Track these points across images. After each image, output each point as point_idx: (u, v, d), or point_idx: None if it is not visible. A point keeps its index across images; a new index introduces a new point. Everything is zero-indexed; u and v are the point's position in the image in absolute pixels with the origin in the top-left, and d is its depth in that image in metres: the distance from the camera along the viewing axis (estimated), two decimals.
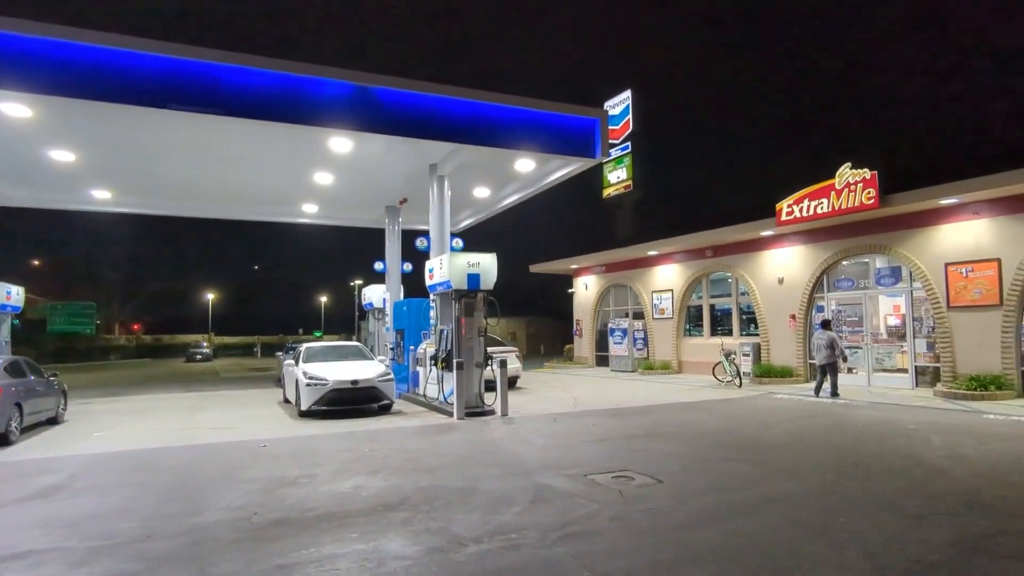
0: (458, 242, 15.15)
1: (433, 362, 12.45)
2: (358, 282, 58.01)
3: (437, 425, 10.32)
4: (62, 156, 12.83)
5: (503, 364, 11.58)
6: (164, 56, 9.68)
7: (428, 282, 12.86)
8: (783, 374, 15.27)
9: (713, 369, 15.91)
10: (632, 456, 7.42)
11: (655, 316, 20.24)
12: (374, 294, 18.47)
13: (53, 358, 43.16)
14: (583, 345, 23.97)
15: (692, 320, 19.46)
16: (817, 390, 12.60)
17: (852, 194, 12.98)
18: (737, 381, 14.84)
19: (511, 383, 16.25)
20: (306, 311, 65.16)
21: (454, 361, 11.29)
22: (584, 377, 19.19)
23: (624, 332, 20.49)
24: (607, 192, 26.53)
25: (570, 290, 25.04)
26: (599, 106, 13.59)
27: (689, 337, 19.29)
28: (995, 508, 5.10)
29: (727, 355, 15.22)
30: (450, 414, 11.08)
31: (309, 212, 18.69)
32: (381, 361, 13.67)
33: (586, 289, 23.92)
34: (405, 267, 18.13)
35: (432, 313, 13.20)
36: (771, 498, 5.52)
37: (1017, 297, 11.46)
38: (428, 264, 12.98)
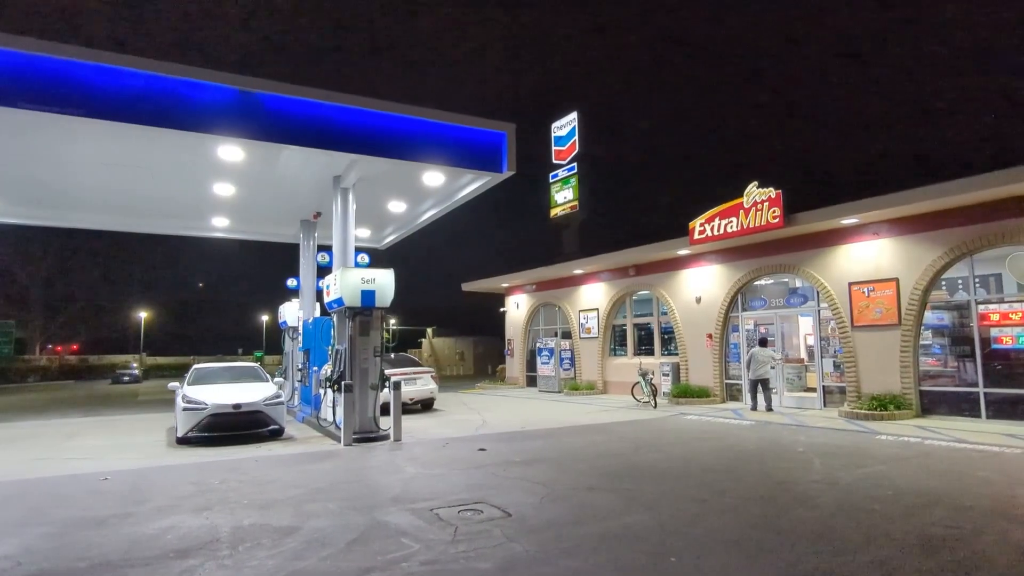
0: (364, 257, 14.51)
1: (328, 384, 11.74)
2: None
3: (317, 453, 9.61)
4: None
5: (397, 386, 10.96)
6: (15, 51, 8.89)
7: (326, 299, 12.21)
8: (700, 394, 15.05)
9: (632, 389, 15.60)
10: (499, 485, 6.89)
11: (582, 336, 19.92)
12: (289, 312, 17.67)
13: None
14: (514, 365, 23.48)
15: (617, 340, 19.21)
16: (754, 405, 13.33)
17: (759, 213, 12.93)
18: (652, 402, 14.54)
19: (427, 405, 15.68)
20: (248, 331, 62.96)
21: (343, 383, 10.63)
22: (508, 398, 18.66)
23: (551, 352, 20.09)
24: (554, 212, 26.37)
25: (502, 309, 24.60)
26: (512, 121, 13.29)
27: (614, 357, 19.01)
28: (843, 540, 4.75)
29: (643, 375, 14.92)
30: (351, 438, 10.37)
31: (220, 226, 17.77)
32: (277, 383, 12.88)
33: (517, 308, 23.52)
34: (321, 284, 17.37)
35: (332, 332, 12.52)
36: (612, 534, 5.05)
37: (914, 317, 11.49)
38: (325, 280, 12.34)
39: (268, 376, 12.75)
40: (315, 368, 13.62)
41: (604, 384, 18.83)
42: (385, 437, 10.66)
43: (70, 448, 10.75)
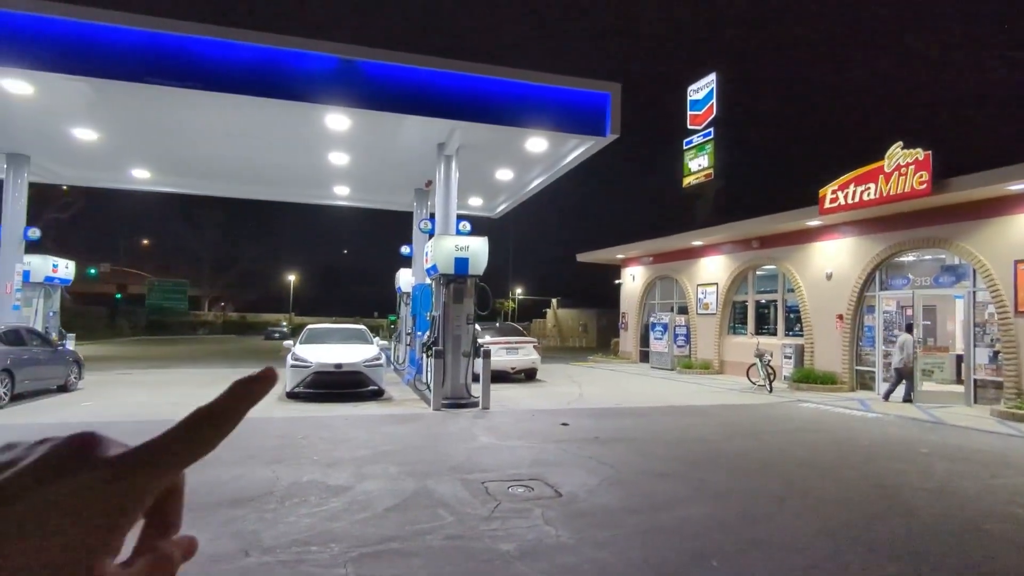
0: (465, 225, 14.45)
1: (424, 349, 11.98)
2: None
3: (404, 415, 9.82)
4: (85, 135, 13.37)
5: (487, 354, 10.89)
6: (140, 30, 9.69)
7: (424, 266, 12.38)
8: (825, 381, 13.56)
9: (747, 371, 14.44)
10: (565, 462, 6.57)
11: (699, 311, 18.75)
12: (403, 278, 18.30)
13: (147, 330, 46.80)
14: (628, 339, 22.74)
15: (737, 317, 17.85)
16: (887, 395, 12.08)
17: (902, 178, 11.16)
18: (767, 386, 13.33)
19: (530, 375, 15.59)
20: (386, 294, 66.80)
21: (434, 349, 10.75)
22: (616, 373, 18.09)
23: (664, 327, 19.14)
24: (687, 181, 25.07)
25: (617, 281, 23.82)
26: (617, 80, 12.49)
27: (733, 335, 17.70)
28: (934, 564, 3.91)
29: (760, 356, 13.71)
30: (440, 403, 10.52)
31: (341, 194, 18.71)
32: (380, 346, 13.37)
33: (633, 281, 22.63)
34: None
35: (432, 299, 12.72)
36: (660, 528, 4.56)
37: None
38: (425, 247, 12.50)
39: (373, 339, 13.24)
40: (419, 333, 13.97)
41: (720, 364, 17.64)
42: (475, 404, 10.67)
43: (203, 395, 11.88)
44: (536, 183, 15.94)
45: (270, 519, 4.59)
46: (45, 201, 35.13)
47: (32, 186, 33.70)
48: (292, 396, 11.35)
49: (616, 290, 24.32)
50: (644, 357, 21.10)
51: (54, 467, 0.34)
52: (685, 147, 26.14)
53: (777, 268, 16.14)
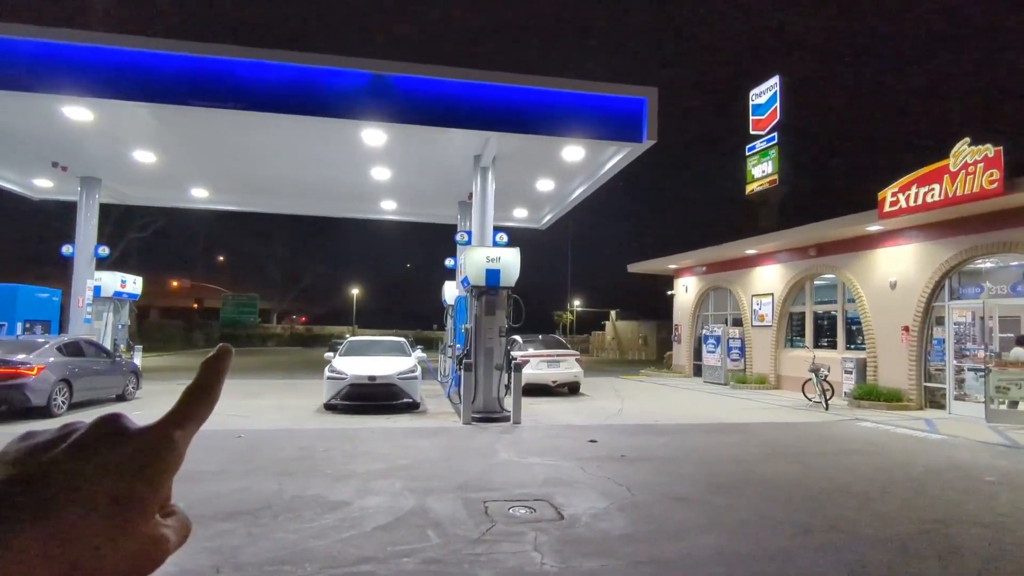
0: (502, 236, 14.33)
1: (457, 362, 11.87)
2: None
3: (432, 428, 9.70)
4: (145, 157, 14.10)
5: (518, 368, 10.65)
6: (181, 55, 10.12)
7: (458, 278, 12.31)
8: (889, 398, 12.55)
9: (803, 387, 13.57)
10: (580, 482, 6.25)
11: (754, 323, 17.85)
12: (448, 291, 18.35)
13: (220, 342, 48.99)
14: (681, 352, 21.95)
15: (794, 329, 16.88)
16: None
17: (971, 177, 10.20)
18: (824, 403, 12.47)
19: (573, 389, 15.23)
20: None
21: (463, 362, 10.62)
22: (664, 388, 17.45)
23: (717, 340, 18.33)
24: (751, 188, 24.17)
25: (669, 292, 23.09)
26: (653, 85, 12.08)
27: (790, 349, 16.73)
28: None
29: (815, 371, 12.85)
30: (470, 417, 10.36)
31: (388, 209, 18.99)
32: (418, 359, 13.37)
33: (686, 292, 21.87)
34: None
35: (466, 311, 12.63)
36: (658, 560, 4.21)
37: None
38: (459, 259, 12.44)
39: (412, 351, 13.24)
40: (458, 345, 13.91)
41: (777, 379, 16.70)
42: (506, 418, 10.45)
43: (244, 406, 12.21)
44: (578, 192, 15.64)
45: (256, 534, 4.52)
46: (127, 221, 37.46)
47: (116, 207, 35.85)
48: (330, 408, 11.47)
49: (672, 302, 23.59)
50: (698, 371, 20.29)
51: (104, 436, 0.42)
52: (748, 153, 25.18)
53: (836, 277, 15.16)
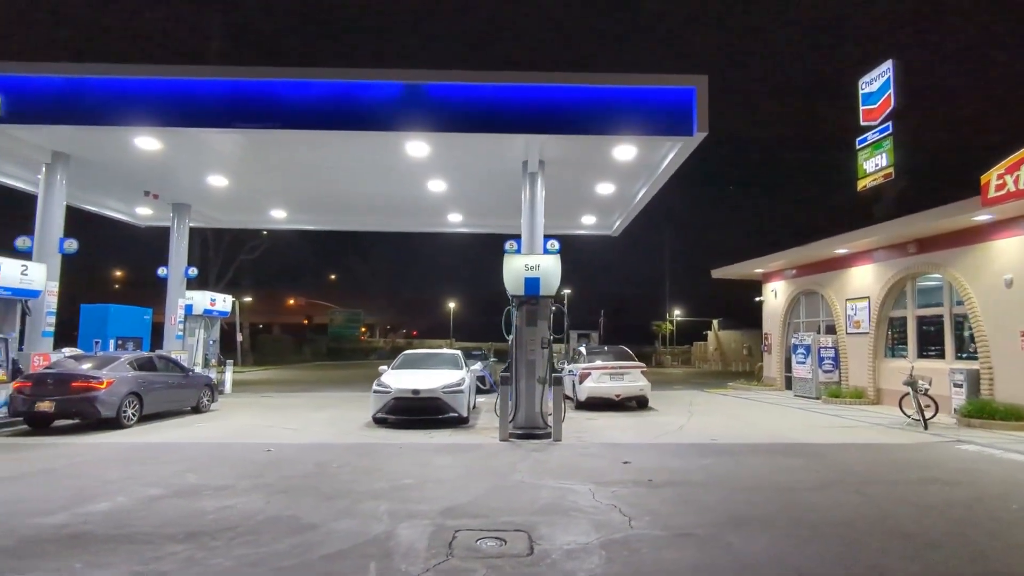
0: (553, 244, 13.71)
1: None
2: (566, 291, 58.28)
3: (464, 445, 9.31)
4: (217, 181, 14.93)
5: (558, 381, 10.04)
6: (225, 80, 10.53)
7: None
8: (1008, 415, 10.64)
9: (900, 402, 11.89)
10: (580, 510, 5.61)
11: (849, 330, 16.01)
12: None
13: (327, 356, 51.70)
14: (772, 363, 20.17)
15: (896, 336, 14.92)
16: None
17: None
18: (922, 421, 10.80)
19: (641, 403, 14.34)
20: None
21: (500, 375, 10.17)
22: (745, 402, 16.02)
23: (807, 350, 16.62)
24: (863, 183, 22.11)
25: (757, 298, 21.36)
26: (704, 73, 11.07)
27: (890, 359, 14.79)
28: None
29: (912, 384, 11.19)
30: (508, 433, 9.90)
31: (455, 221, 18.98)
32: (473, 371, 13.07)
33: (775, 297, 20.12)
34: None
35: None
36: None
37: None
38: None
39: (464, 364, 12.95)
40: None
41: (876, 392, 14.82)
42: (548, 435, 9.87)
43: (302, 418, 12.48)
44: (641, 194, 14.79)
45: (196, 559, 4.32)
46: (238, 244, 40.38)
47: (229, 231, 38.47)
48: (378, 421, 11.41)
49: (761, 309, 21.85)
50: (790, 384, 18.54)
51: None
52: (858, 146, 23.02)
53: (942, 276, 13.22)
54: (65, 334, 18.09)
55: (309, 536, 4.83)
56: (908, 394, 11.45)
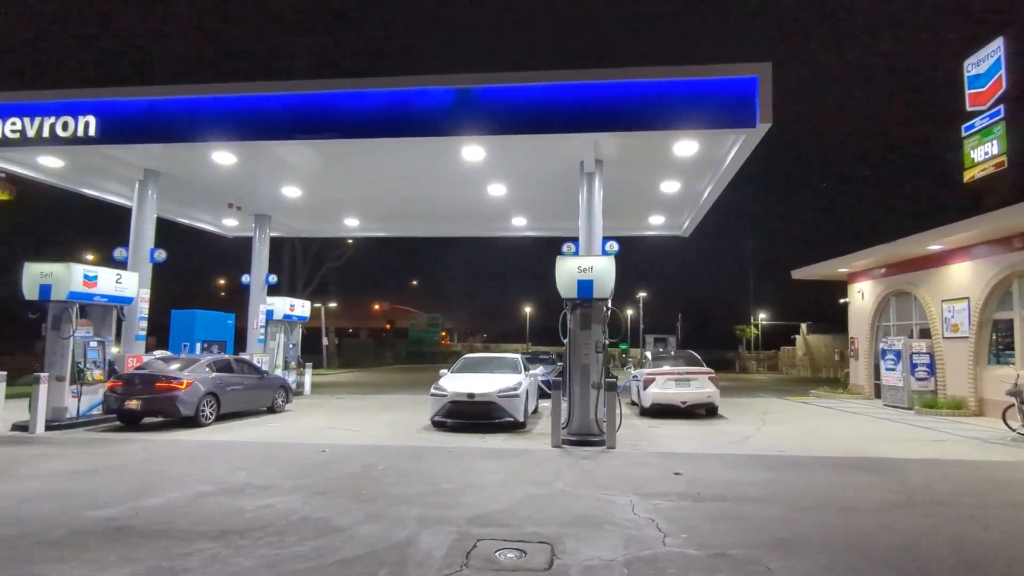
0: (612, 245, 13.29)
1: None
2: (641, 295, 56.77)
3: (514, 451, 9.19)
4: (291, 192, 15.62)
5: (611, 387, 9.72)
6: (286, 94, 10.96)
7: None
8: None
9: (1003, 414, 10.69)
10: (616, 523, 5.36)
11: (946, 334, 14.59)
12: None
13: (407, 359, 53.09)
14: (859, 370, 18.75)
15: (1001, 341, 13.45)
16: None
17: None
18: None
19: (711, 411, 13.72)
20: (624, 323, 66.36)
21: (551, 380, 9.97)
22: (828, 411, 14.94)
23: (897, 355, 15.30)
24: (971, 174, 20.37)
25: (843, 300, 19.93)
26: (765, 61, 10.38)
27: (995, 366, 13.34)
28: None
29: (1016, 394, 10.02)
30: (560, 439, 9.70)
31: (520, 225, 18.94)
32: (532, 375, 12.93)
33: (862, 299, 18.70)
34: None
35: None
36: None
37: None
38: None
39: (523, 369, 12.82)
40: None
41: (979, 403, 13.41)
42: (600, 443, 9.58)
43: (365, 420, 12.79)
44: (708, 192, 14.17)
45: (221, 557, 4.44)
46: (324, 252, 42.15)
47: (316, 241, 40.24)
48: (437, 425, 11.51)
49: (847, 311, 20.37)
50: (879, 391, 17.16)
51: None
52: (965, 134, 21.12)
53: None
54: (157, 337, 19.49)
55: (332, 539, 4.86)
56: (1012, 405, 10.28)
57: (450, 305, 66.34)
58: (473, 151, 11.88)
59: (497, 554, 4.56)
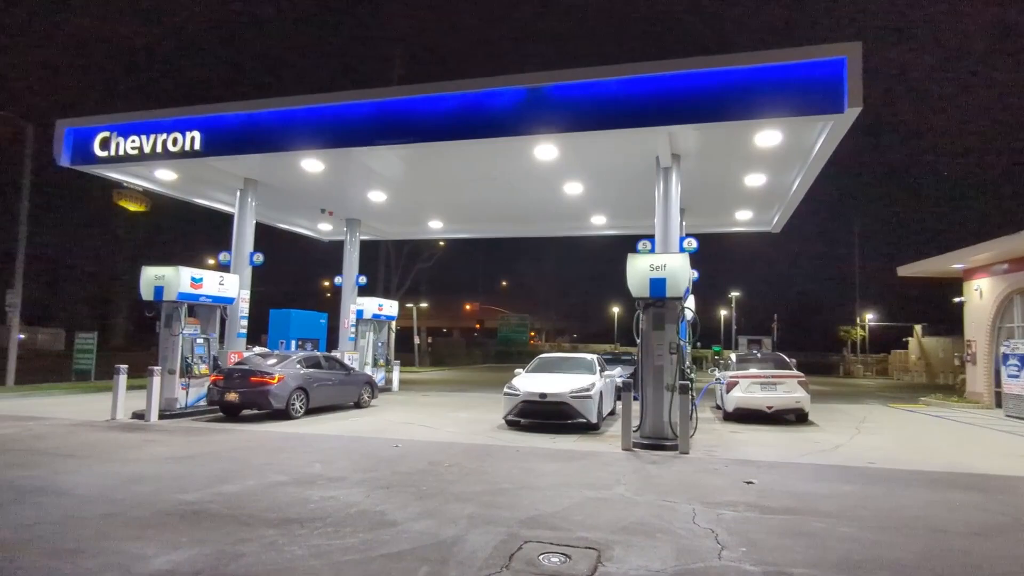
0: (691, 243, 12.72)
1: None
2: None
3: (582, 453, 9.07)
4: (377, 197, 16.25)
5: (683, 389, 9.37)
6: (369, 102, 11.40)
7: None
8: None
9: None
10: (671, 532, 5.17)
11: None
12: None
13: (495, 359, 53.82)
14: (977, 376, 16.98)
15: None
16: None
17: None
18: None
19: (801, 417, 12.95)
20: (711, 323, 63.94)
21: (622, 380, 9.75)
22: (936, 421, 13.65)
23: (1021, 360, 13.71)
24: None
25: (957, 299, 18.10)
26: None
27: None
28: None
29: None
30: (631, 443, 9.49)
31: (599, 223, 18.71)
32: (608, 377, 12.69)
33: (980, 298, 16.91)
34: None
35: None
36: None
37: None
38: None
39: (598, 370, 12.60)
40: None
41: None
42: (672, 447, 9.27)
43: (442, 417, 13.10)
44: (797, 184, 13.36)
45: (278, 544, 4.68)
46: (416, 253, 43.48)
47: (407, 243, 41.53)
48: (511, 424, 11.59)
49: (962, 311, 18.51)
50: (1000, 400, 15.47)
51: None
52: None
53: None
54: (256, 334, 20.84)
55: (383, 533, 5.00)
56: None
57: (540, 305, 66.65)
58: (546, 150, 11.84)
59: (541, 557, 4.51)
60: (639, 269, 9.91)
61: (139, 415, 11.89)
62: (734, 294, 53.85)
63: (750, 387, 12.68)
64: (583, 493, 6.52)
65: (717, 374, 14.41)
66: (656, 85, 10.09)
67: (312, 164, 13.37)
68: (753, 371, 13.08)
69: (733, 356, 14.95)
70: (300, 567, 4.23)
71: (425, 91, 11.13)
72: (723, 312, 56.04)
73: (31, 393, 16.29)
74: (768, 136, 10.83)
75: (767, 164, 12.49)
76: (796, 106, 9.54)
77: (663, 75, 10.02)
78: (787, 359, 13.78)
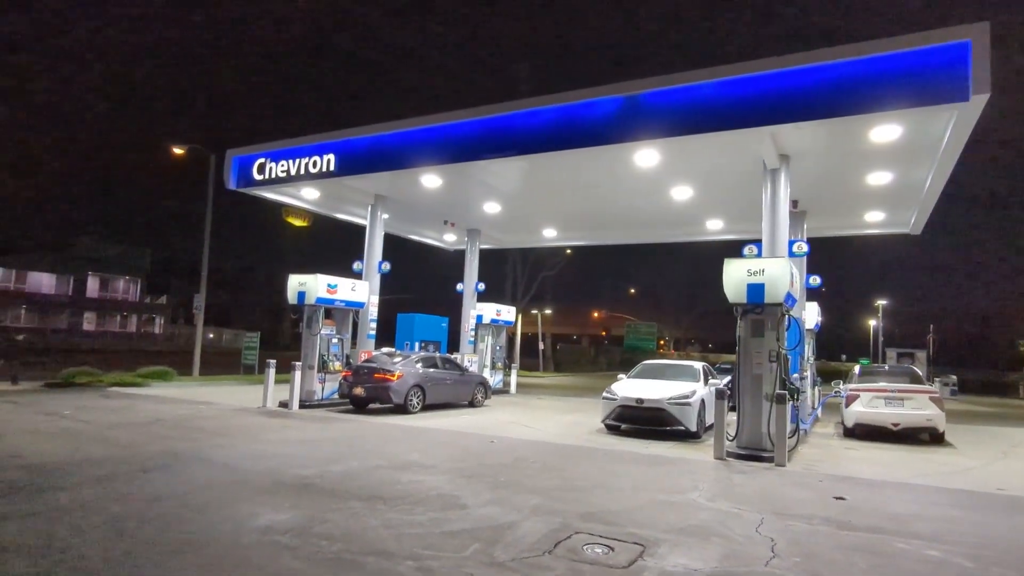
0: (801, 246, 11.93)
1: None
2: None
3: (671, 459, 9.08)
4: (492, 208, 17.13)
5: (781, 399, 9.02)
6: (479, 119, 12.20)
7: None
8: None
9: None
10: (729, 538, 5.21)
11: None
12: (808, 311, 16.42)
13: (621, 366, 53.28)
14: None
15: None
16: None
17: None
18: None
19: (935, 438, 11.84)
20: (861, 337, 58.51)
21: (716, 388, 9.57)
22: None
23: None
24: None
25: None
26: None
27: None
28: None
29: None
30: (724, 452, 9.33)
31: (715, 228, 18.19)
32: (711, 386, 12.40)
33: None
34: (811, 280, 15.40)
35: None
36: None
37: None
38: None
39: (704, 378, 12.35)
40: (794, 376, 12.31)
41: None
42: (769, 459, 8.97)
43: (545, 419, 13.54)
44: (930, 180, 12.23)
45: (359, 514, 5.38)
46: (540, 261, 44.38)
47: (532, 252, 42.47)
48: (609, 428, 11.78)
49: None
50: None
51: None
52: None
53: None
54: (385, 336, 22.48)
55: (450, 514, 5.54)
56: None
57: (669, 313, 64.89)
58: (646, 155, 11.93)
59: (585, 547, 4.79)
60: (735, 275, 9.71)
61: (284, 404, 13.56)
62: (880, 302, 49.01)
63: (872, 401, 11.77)
64: (654, 496, 6.64)
65: (840, 387, 13.49)
66: (752, 86, 9.87)
67: (431, 179, 14.46)
68: (881, 384, 12.11)
69: (856, 368, 13.90)
70: (370, 534, 4.87)
71: (523, 106, 11.70)
72: (872, 322, 51.18)
73: (209, 383, 19.00)
74: (886, 131, 10.12)
75: (890, 160, 11.60)
76: (914, 96, 8.88)
77: (759, 75, 9.79)
78: (920, 373, 12.59)
